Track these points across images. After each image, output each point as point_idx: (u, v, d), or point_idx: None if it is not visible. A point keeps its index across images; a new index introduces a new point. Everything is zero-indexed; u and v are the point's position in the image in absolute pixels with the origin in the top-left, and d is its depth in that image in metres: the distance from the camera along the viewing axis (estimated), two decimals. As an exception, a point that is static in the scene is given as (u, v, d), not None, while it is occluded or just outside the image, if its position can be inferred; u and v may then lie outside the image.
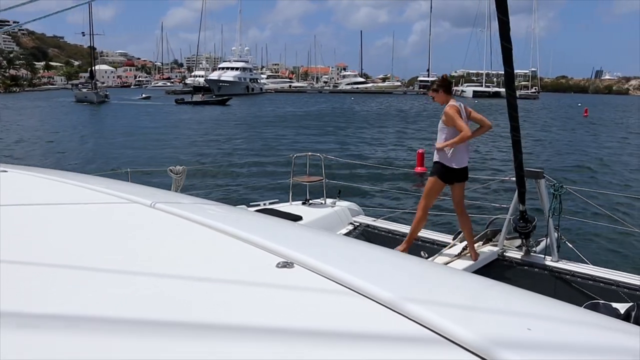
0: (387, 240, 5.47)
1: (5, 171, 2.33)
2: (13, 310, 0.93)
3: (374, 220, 6.02)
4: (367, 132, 29.65)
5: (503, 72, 3.65)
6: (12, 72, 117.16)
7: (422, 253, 5.16)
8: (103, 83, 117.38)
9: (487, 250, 5.04)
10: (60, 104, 58.49)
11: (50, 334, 0.86)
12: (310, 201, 6.15)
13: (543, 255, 4.86)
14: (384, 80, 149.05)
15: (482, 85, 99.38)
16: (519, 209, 4.79)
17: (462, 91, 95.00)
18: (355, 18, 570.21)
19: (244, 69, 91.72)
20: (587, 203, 6.10)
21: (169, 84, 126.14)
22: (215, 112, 47.25)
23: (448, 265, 4.54)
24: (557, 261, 4.76)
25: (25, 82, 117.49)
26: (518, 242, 5.05)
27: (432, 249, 5.22)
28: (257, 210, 5.22)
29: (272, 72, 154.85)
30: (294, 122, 36.66)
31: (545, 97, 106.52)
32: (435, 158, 4.71)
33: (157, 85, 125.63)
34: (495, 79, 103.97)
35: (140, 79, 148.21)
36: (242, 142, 23.96)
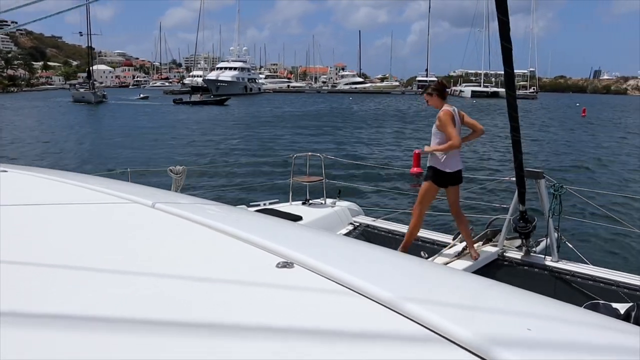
0: (387, 240, 5.48)
1: (5, 171, 2.33)
2: (13, 310, 0.93)
3: (374, 220, 6.03)
4: (364, 132, 29.62)
5: (501, 72, 3.66)
6: (10, 72, 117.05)
7: (422, 253, 5.16)
8: (101, 83, 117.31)
9: (487, 250, 5.04)
10: (58, 104, 58.33)
11: (50, 333, 0.86)
12: (310, 201, 6.16)
13: (543, 256, 4.86)
14: (382, 80, 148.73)
15: (480, 85, 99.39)
16: (519, 209, 4.80)
17: (461, 91, 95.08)
18: (354, 18, 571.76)
19: (242, 69, 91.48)
20: (587, 203, 6.12)
21: (167, 84, 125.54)
22: (213, 112, 47.16)
23: (448, 265, 4.55)
24: (557, 261, 4.77)
25: (23, 82, 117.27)
26: (518, 242, 5.05)
27: (432, 249, 5.22)
28: (257, 210, 5.22)
29: (270, 72, 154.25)
30: (291, 122, 36.60)
31: (544, 97, 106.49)
32: (429, 163, 4.72)
33: (155, 85, 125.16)
34: (493, 79, 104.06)
35: (138, 79, 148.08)
36: (240, 142, 23.93)
